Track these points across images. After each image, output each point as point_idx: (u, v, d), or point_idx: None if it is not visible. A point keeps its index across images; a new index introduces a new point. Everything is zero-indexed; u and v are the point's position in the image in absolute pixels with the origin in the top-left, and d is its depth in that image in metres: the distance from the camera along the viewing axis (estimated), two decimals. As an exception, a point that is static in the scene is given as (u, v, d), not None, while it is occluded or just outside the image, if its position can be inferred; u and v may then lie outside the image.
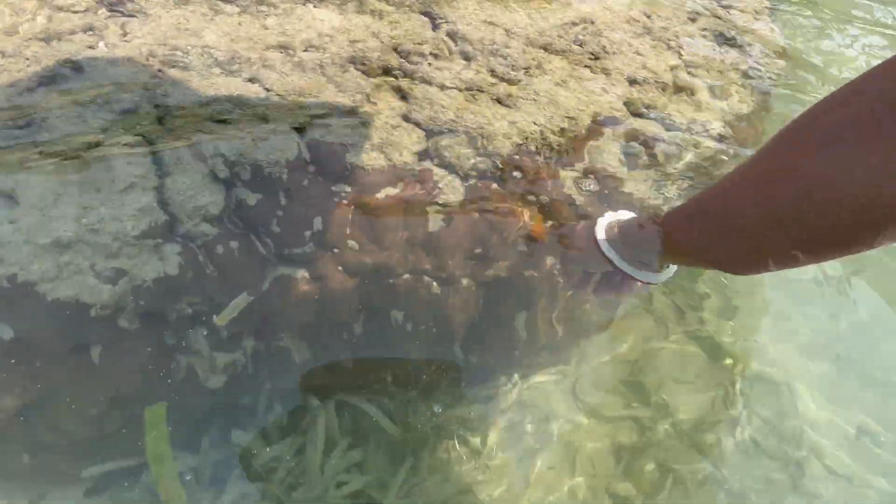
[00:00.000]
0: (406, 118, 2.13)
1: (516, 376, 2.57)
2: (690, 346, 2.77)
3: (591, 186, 2.38)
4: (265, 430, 2.45)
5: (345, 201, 1.95)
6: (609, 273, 1.96)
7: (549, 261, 2.39)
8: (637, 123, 2.46)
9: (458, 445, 2.40)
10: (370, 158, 1.99)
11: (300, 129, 1.90)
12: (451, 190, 2.23)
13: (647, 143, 2.56)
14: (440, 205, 2.15)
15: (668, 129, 2.59)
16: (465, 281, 2.36)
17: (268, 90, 1.93)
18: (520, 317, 2.46)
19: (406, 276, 2.27)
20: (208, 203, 1.77)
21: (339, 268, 2.13)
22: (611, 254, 1.87)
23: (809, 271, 2.63)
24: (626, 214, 2.07)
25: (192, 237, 1.75)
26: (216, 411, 2.38)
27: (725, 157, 2.52)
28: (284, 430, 2.47)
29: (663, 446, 2.49)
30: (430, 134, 2.13)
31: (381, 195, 2.00)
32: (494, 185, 2.32)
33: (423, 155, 2.11)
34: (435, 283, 2.34)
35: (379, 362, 2.40)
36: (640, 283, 1.86)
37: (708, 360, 2.73)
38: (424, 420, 2.44)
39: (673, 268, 1.86)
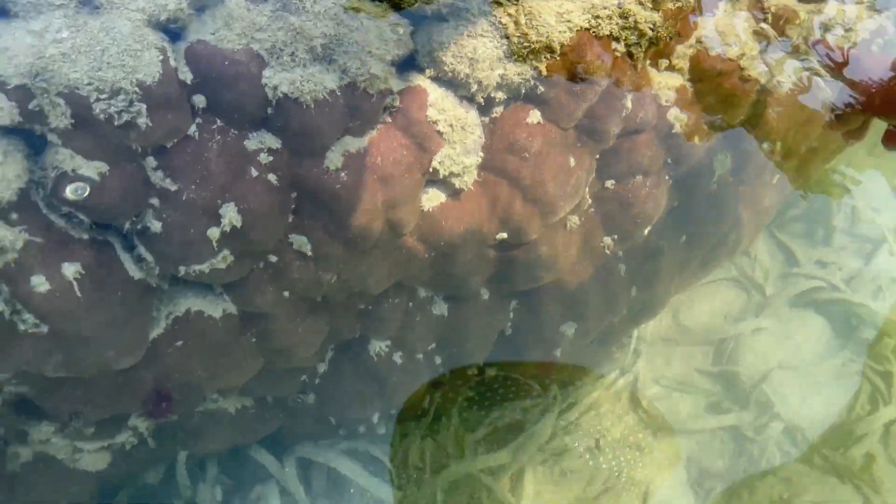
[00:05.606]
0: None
1: (554, 388, 1.95)
2: (807, 315, 2.15)
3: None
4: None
5: (273, 167, 1.31)
6: None
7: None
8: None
9: (482, 501, 1.80)
10: (306, 80, 1.25)
11: (166, 24, 1.22)
12: (458, 134, 1.38)
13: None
14: (440, 168, 1.40)
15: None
16: (485, 293, 1.62)
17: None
18: (568, 325, 1.76)
19: (391, 291, 1.52)
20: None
21: (285, 293, 1.39)
22: None
23: None
24: None
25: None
26: (108, 494, 1.72)
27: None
28: (224, 500, 1.82)
29: (780, 472, 1.87)
30: (416, 21, 1.40)
31: (335, 153, 1.32)
32: (535, 113, 1.41)
33: (405, 64, 1.38)
34: (439, 300, 1.61)
35: (355, 399, 1.70)
36: None
37: (837, 335, 2.10)
38: (430, 470, 1.81)
39: None
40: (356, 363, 1.65)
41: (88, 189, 1.16)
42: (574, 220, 1.61)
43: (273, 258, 1.37)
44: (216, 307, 1.40)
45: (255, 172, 1.27)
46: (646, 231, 1.72)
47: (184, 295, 1.39)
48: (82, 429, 1.44)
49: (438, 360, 1.73)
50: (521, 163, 1.44)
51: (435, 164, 1.39)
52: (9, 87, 1.10)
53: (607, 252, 1.70)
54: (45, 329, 1.23)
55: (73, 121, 1.13)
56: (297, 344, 1.49)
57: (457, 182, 1.43)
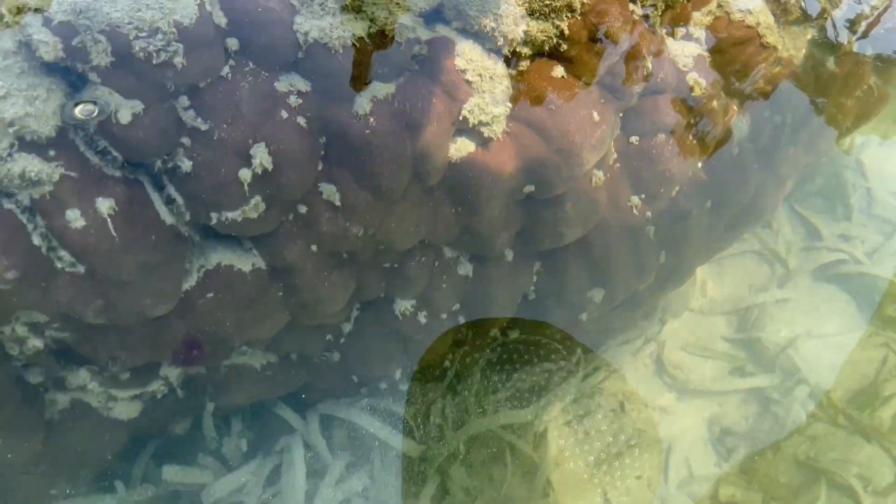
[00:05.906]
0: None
1: (578, 351, 1.94)
2: (830, 288, 2.16)
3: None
4: (220, 456, 1.84)
5: (303, 110, 1.33)
6: None
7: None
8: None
9: (505, 458, 1.80)
10: (335, 27, 1.31)
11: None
12: (487, 84, 1.41)
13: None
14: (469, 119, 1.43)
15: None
16: (509, 254, 1.65)
17: None
18: (596, 291, 1.78)
19: (417, 250, 1.55)
20: (26, 115, 1.16)
21: (313, 247, 1.43)
22: None
23: None
24: None
25: (9, 192, 1.19)
26: (137, 444, 1.78)
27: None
28: (248, 453, 1.84)
29: (805, 432, 1.86)
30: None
31: (364, 99, 1.35)
32: (559, 68, 1.47)
33: (433, 16, 1.42)
34: (464, 260, 1.63)
35: (379, 358, 1.72)
36: None
37: (861, 308, 2.10)
38: (451, 427, 1.81)
39: None
40: (381, 322, 1.67)
41: (96, 110, 1.17)
42: (599, 175, 1.62)
43: (302, 209, 1.40)
44: (246, 261, 1.42)
45: (284, 114, 1.30)
46: (673, 191, 1.71)
47: (214, 249, 1.41)
48: (118, 375, 1.47)
49: (462, 320, 1.75)
50: (547, 114, 1.46)
51: (465, 112, 1.41)
52: (54, 24, 1.13)
53: (635, 213, 1.70)
54: (81, 269, 1.25)
55: (112, 59, 1.16)
56: (324, 299, 1.51)
57: (486, 131, 1.45)
